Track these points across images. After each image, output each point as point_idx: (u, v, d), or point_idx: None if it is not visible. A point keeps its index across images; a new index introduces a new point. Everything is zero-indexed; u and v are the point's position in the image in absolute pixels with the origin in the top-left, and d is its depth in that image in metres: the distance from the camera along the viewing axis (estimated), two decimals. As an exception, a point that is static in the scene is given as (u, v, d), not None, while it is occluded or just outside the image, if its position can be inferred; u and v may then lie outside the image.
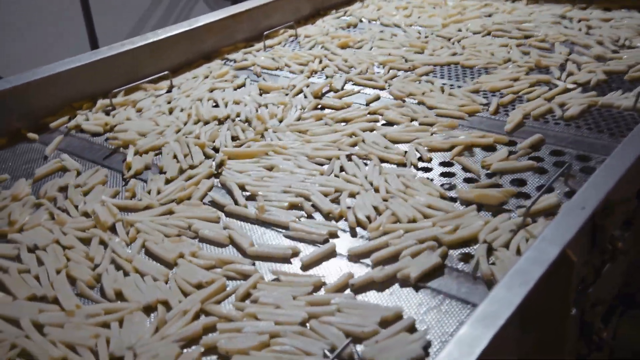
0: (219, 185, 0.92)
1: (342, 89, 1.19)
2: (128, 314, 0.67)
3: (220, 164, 0.96)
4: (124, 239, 0.80)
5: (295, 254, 0.75)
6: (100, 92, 1.25)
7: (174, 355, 0.61)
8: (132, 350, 0.62)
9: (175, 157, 0.99)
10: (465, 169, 0.91)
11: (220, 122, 1.11)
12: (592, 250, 0.68)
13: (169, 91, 1.26)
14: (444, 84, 1.18)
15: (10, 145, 1.11)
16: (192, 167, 0.96)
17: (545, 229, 0.63)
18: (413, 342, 0.61)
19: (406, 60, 1.29)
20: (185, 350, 0.62)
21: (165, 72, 1.29)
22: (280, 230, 0.80)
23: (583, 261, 0.65)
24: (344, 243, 0.76)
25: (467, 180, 0.88)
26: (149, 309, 0.69)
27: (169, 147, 1.02)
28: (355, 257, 0.74)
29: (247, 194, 0.88)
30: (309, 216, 0.83)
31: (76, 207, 0.89)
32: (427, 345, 0.61)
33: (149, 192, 0.90)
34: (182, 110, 1.17)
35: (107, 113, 1.18)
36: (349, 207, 0.82)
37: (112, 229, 0.83)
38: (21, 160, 1.06)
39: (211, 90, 1.24)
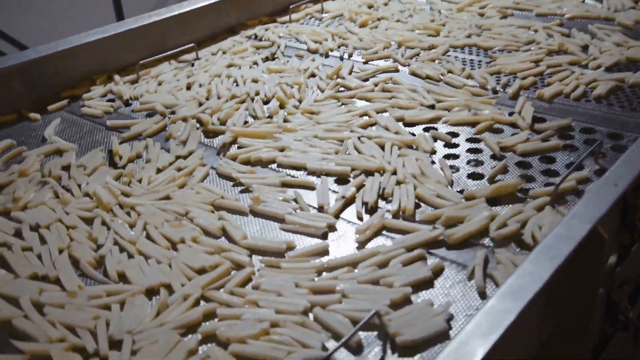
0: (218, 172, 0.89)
1: (351, 72, 1.16)
2: (130, 297, 0.66)
3: (230, 143, 0.94)
4: (126, 221, 0.79)
5: (290, 248, 0.72)
6: (127, 63, 1.25)
7: (173, 343, 0.59)
8: (131, 335, 0.61)
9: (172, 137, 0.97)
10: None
11: (242, 100, 1.09)
12: (621, 228, 0.66)
13: (193, 65, 1.26)
14: (464, 65, 1.15)
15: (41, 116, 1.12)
16: (182, 157, 0.92)
17: (576, 205, 0.62)
18: (436, 315, 0.60)
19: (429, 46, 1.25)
20: (185, 338, 0.61)
21: (192, 45, 1.29)
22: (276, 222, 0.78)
23: (613, 239, 0.64)
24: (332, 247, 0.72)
25: (493, 157, 0.87)
26: (151, 292, 0.67)
27: (174, 127, 1.00)
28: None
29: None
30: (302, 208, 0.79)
31: (79, 186, 0.87)
32: (450, 319, 0.60)
33: (139, 181, 0.87)
34: (200, 85, 1.16)
35: (133, 83, 1.19)
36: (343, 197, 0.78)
37: (114, 211, 0.81)
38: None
39: (230, 67, 1.22)
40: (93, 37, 1.21)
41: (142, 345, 0.60)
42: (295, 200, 0.80)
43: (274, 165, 0.90)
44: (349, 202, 0.80)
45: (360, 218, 0.77)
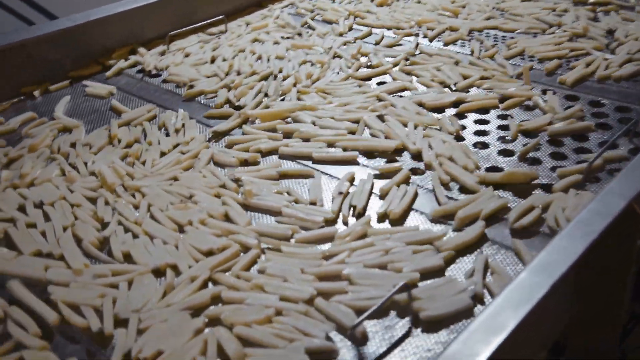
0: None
1: (371, 53, 1.13)
2: (137, 276, 0.64)
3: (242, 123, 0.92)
4: (130, 202, 0.77)
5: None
6: (157, 34, 1.24)
7: (181, 322, 0.58)
8: (137, 314, 0.59)
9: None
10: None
11: (262, 78, 1.07)
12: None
13: (220, 37, 1.25)
14: (485, 46, 1.12)
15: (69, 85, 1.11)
16: (183, 142, 0.89)
17: (611, 181, 0.60)
18: (461, 291, 0.58)
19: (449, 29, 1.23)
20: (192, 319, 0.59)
21: (221, 17, 1.27)
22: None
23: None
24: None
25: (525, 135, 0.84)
26: (157, 273, 0.65)
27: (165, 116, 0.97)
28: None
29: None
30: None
31: (85, 164, 0.86)
32: (475, 296, 0.58)
33: (143, 164, 0.85)
34: (224, 59, 1.15)
35: (162, 54, 1.19)
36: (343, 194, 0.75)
37: (118, 192, 0.79)
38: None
39: (255, 41, 1.21)
40: (125, 7, 1.19)
41: (150, 324, 0.58)
42: (288, 193, 0.77)
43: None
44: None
45: (345, 223, 0.71)
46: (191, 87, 1.05)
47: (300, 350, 0.54)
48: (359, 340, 0.56)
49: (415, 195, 0.74)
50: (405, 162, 0.82)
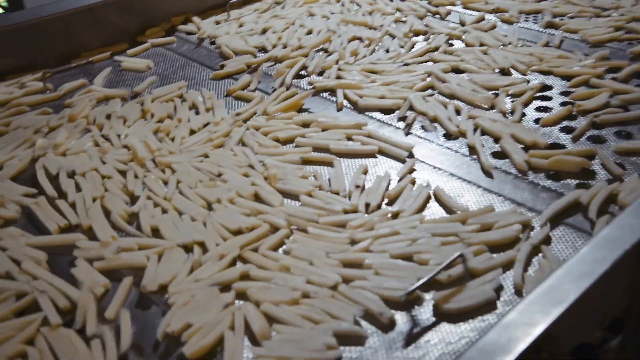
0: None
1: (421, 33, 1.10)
2: (166, 250, 0.63)
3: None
4: (160, 177, 0.76)
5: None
6: (217, 3, 1.26)
7: (210, 297, 0.57)
8: (165, 288, 0.58)
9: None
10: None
11: (306, 54, 1.05)
12: None
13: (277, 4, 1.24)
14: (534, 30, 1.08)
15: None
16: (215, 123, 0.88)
17: None
18: (485, 283, 0.56)
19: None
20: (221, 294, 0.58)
21: None
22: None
23: None
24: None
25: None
26: (184, 249, 0.64)
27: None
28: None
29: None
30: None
31: (119, 136, 0.85)
32: (499, 289, 0.56)
33: (172, 140, 0.84)
34: (274, 32, 1.13)
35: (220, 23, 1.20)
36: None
37: (148, 166, 0.78)
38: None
39: (310, 15, 1.20)
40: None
41: (178, 299, 0.57)
42: (315, 177, 0.74)
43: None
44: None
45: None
46: (222, 66, 1.03)
47: (328, 332, 0.53)
48: (387, 326, 0.53)
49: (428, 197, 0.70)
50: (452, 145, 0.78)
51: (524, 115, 0.84)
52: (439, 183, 0.71)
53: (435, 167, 0.75)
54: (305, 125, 0.85)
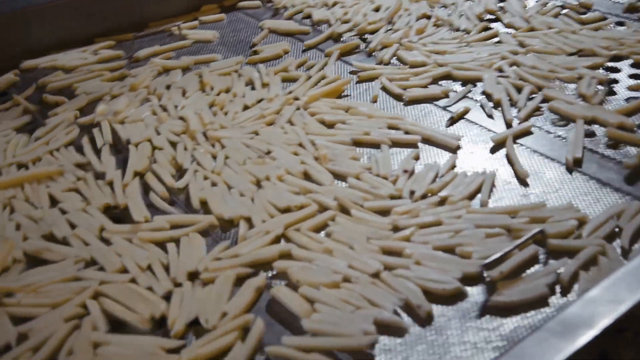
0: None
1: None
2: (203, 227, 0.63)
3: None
4: (209, 152, 0.75)
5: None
6: None
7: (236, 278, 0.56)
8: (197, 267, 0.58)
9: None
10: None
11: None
12: None
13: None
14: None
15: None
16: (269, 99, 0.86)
17: None
18: (540, 277, 0.54)
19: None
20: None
21: None
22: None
23: None
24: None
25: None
26: (230, 224, 0.64)
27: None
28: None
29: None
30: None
31: (175, 107, 0.85)
32: (554, 284, 0.53)
33: (225, 114, 0.84)
34: (342, 6, 1.12)
35: None
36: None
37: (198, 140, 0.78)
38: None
39: None
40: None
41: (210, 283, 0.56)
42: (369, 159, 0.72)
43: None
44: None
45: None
46: (255, 52, 1.01)
47: (368, 320, 0.51)
48: (424, 319, 0.52)
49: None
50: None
51: (607, 96, 0.80)
52: (521, 159, 0.69)
53: (518, 144, 0.72)
54: (348, 111, 0.82)
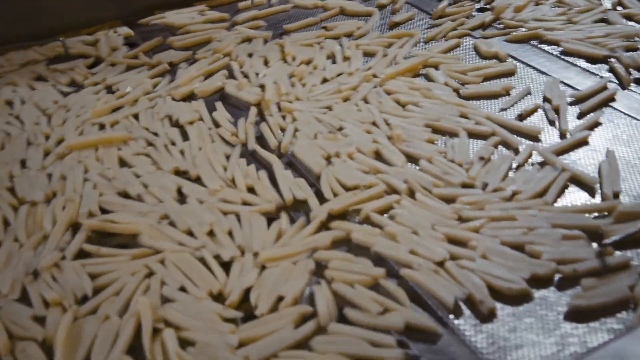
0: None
1: None
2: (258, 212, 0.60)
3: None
4: (279, 124, 0.73)
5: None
6: None
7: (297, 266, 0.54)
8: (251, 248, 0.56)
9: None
10: None
11: None
12: None
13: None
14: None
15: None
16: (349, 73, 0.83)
17: None
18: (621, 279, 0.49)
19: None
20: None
21: None
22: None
23: None
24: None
25: None
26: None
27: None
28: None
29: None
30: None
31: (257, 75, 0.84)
32: (634, 286, 0.49)
33: (303, 85, 0.81)
34: None
35: None
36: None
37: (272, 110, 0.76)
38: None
39: None
40: None
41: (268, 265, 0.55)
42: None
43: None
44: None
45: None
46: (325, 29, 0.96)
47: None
48: (486, 315, 0.48)
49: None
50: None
51: None
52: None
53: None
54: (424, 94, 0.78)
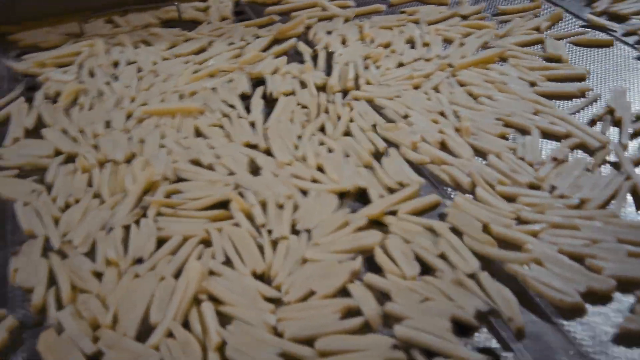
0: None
1: None
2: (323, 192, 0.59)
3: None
4: (337, 113, 0.70)
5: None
6: None
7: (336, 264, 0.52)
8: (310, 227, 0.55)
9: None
10: None
11: None
12: None
13: None
14: None
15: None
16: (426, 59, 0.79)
17: None
18: None
19: None
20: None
21: None
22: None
23: None
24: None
25: None
26: (342, 195, 0.59)
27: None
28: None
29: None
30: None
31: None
32: None
33: (377, 68, 0.78)
34: None
35: None
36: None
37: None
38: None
39: None
40: None
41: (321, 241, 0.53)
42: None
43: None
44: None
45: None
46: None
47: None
48: (517, 335, 0.45)
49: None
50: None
51: None
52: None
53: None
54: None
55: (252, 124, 0.70)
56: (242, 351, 0.44)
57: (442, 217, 0.55)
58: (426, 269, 0.50)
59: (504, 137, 0.65)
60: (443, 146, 0.64)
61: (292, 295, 0.49)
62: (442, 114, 0.69)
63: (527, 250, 0.51)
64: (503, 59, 0.79)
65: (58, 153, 0.68)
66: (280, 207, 0.57)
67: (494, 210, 0.55)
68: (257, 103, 0.74)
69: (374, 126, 0.68)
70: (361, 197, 0.58)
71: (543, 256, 0.50)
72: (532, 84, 0.73)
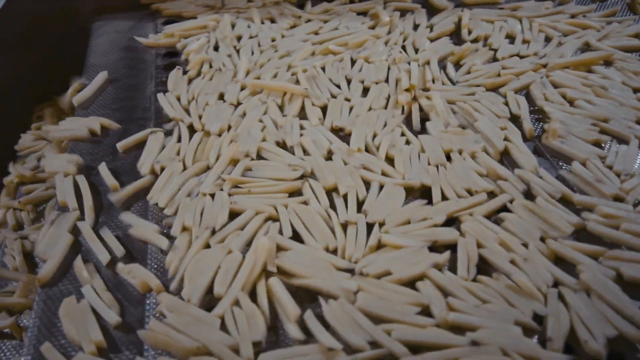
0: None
1: None
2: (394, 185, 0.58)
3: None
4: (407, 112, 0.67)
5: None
6: None
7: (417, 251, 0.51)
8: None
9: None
10: None
11: None
12: None
13: None
14: None
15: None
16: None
17: None
18: None
19: None
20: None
21: None
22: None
23: None
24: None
25: None
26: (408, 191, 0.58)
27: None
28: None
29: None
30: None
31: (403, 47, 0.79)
32: None
33: (461, 66, 0.75)
34: None
35: None
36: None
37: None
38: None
39: None
40: None
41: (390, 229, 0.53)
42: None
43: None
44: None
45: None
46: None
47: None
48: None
49: None
50: None
51: None
52: None
53: None
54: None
55: (351, 109, 0.68)
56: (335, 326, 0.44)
57: (499, 221, 0.54)
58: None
59: (598, 144, 0.61)
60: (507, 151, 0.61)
61: (371, 269, 0.49)
62: (517, 117, 0.66)
63: (580, 270, 0.48)
64: (608, 62, 0.73)
65: (168, 120, 0.70)
66: (345, 196, 0.57)
67: (550, 220, 0.53)
68: (356, 87, 0.72)
69: (446, 126, 0.66)
70: (425, 195, 0.58)
71: (593, 283, 0.47)
72: (636, 91, 0.67)
